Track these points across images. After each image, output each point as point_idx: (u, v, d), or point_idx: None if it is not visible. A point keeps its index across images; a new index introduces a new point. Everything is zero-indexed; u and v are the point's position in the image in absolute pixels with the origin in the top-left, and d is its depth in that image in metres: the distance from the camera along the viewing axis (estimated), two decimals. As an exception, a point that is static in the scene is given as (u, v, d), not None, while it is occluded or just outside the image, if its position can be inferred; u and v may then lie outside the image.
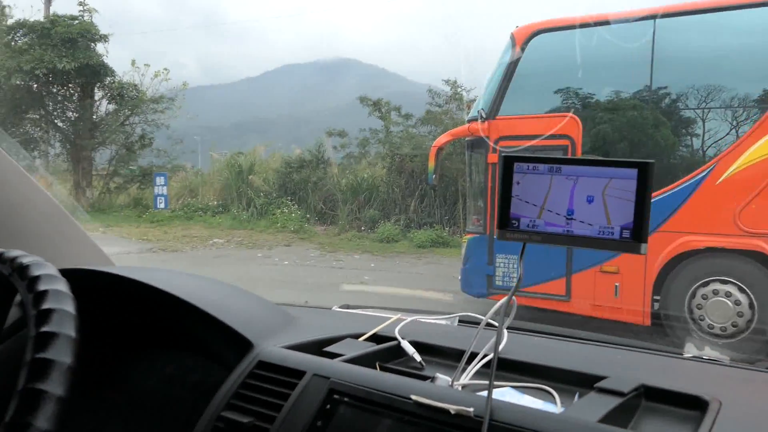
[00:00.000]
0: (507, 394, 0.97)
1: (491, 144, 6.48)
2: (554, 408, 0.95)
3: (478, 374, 1.02)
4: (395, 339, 1.19)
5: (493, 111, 6.51)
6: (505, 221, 0.82)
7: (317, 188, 17.16)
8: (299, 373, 1.00)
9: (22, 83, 18.62)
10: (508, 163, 0.82)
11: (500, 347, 0.92)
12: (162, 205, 19.12)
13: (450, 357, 1.14)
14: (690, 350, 1.24)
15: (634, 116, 6.22)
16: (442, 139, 7.27)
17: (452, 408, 0.83)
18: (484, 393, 0.86)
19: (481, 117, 6.50)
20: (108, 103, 21.22)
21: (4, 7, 20.77)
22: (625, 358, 1.21)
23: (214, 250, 13.27)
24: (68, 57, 18.29)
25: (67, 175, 21.44)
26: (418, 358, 1.14)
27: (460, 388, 0.98)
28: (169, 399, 1.24)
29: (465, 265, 6.90)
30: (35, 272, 0.80)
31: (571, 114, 6.29)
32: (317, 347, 1.15)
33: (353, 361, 1.07)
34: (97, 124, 20.88)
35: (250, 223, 16.87)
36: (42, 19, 19.62)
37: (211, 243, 14.10)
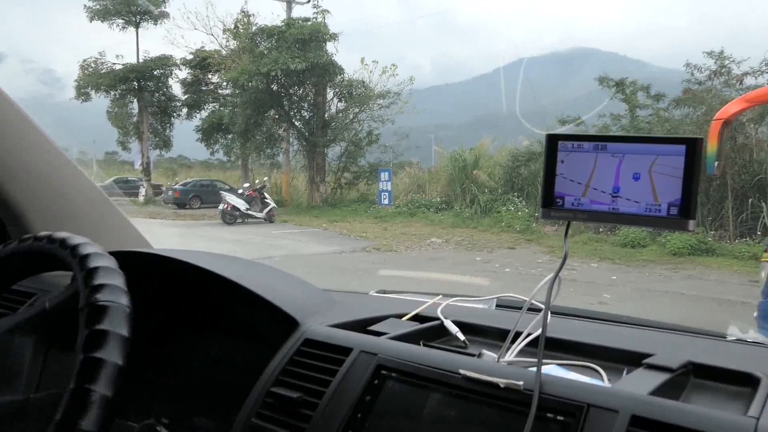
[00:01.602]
0: (553, 371, 0.96)
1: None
2: (602, 384, 0.92)
3: (522, 353, 1.01)
4: (437, 319, 1.20)
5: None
6: (550, 200, 0.82)
7: (547, 183, 15.17)
8: (346, 350, 1.01)
9: (262, 85, 19.69)
10: (552, 141, 0.81)
11: (542, 326, 0.88)
12: (386, 201, 18.86)
13: (492, 336, 1.15)
14: (734, 333, 1.20)
15: None
16: (732, 107, 4.93)
17: (501, 381, 0.84)
18: (532, 369, 0.87)
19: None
20: (338, 101, 21.69)
21: (249, 15, 22.43)
22: (669, 338, 1.18)
23: (430, 251, 12.21)
24: (300, 58, 18.90)
25: (305, 170, 22.45)
26: (461, 336, 1.15)
27: (505, 365, 0.97)
28: (213, 380, 1.25)
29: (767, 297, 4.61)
30: (84, 251, 0.83)
31: None
32: (361, 326, 1.16)
33: (399, 338, 1.09)
34: (328, 121, 21.45)
35: (473, 221, 15.59)
36: (279, 23, 20.62)
37: (428, 242, 13.09)
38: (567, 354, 1.04)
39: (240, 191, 18.31)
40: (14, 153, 1.34)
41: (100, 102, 26.46)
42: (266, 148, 23.23)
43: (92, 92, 25.74)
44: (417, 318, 1.24)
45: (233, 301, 1.22)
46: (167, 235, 14.19)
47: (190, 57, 25.75)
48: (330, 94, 21.67)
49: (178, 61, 26.29)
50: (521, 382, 0.83)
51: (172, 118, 27.70)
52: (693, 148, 0.74)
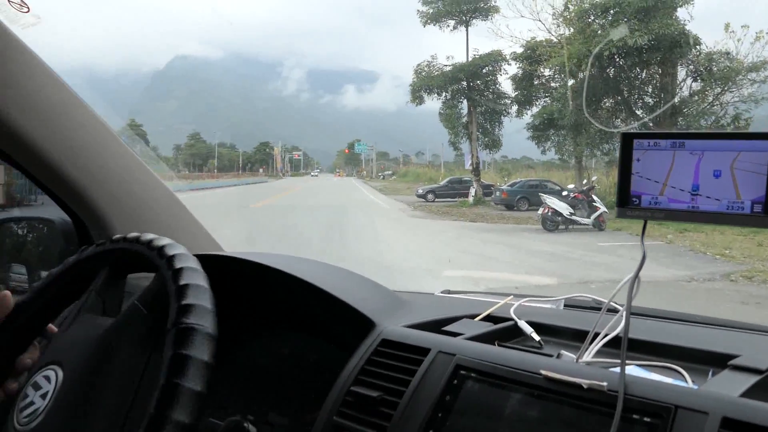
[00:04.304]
0: (634, 372, 0.94)
1: None
2: (688, 386, 0.91)
3: (600, 353, 1.00)
4: (510, 319, 1.20)
5: None
6: (625, 199, 0.82)
7: None
8: (424, 351, 1.02)
9: (594, 69, 17.05)
10: (627, 140, 0.82)
11: (624, 327, 0.87)
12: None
13: (567, 336, 1.15)
14: None
15: None
16: None
17: (584, 382, 0.83)
18: (613, 369, 0.87)
19: None
20: (692, 81, 17.63)
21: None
22: (751, 339, 1.16)
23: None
24: (640, 30, 15.66)
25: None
26: (536, 337, 1.14)
27: (585, 366, 0.95)
28: (286, 378, 1.27)
29: None
30: (171, 252, 0.87)
31: None
32: (436, 326, 1.17)
33: (475, 339, 1.09)
34: (678, 107, 17.66)
35: None
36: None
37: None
38: (647, 355, 1.03)
39: (565, 193, 15.98)
40: (97, 161, 1.42)
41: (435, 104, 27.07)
42: (601, 143, 20.37)
43: (425, 95, 26.36)
44: (489, 318, 1.24)
45: (308, 301, 1.22)
46: (472, 242, 12.80)
47: (520, 50, 24.42)
48: (681, 73, 17.78)
49: (507, 56, 25.25)
50: (605, 383, 0.82)
51: (502, 117, 26.76)
52: None
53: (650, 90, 18.34)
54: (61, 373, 0.85)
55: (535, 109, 25.02)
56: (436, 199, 28.97)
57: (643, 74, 18.19)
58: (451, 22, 25.68)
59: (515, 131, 29.07)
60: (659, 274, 8.92)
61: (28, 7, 1.28)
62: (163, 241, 0.90)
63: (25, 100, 1.26)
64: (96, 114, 1.43)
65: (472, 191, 26.03)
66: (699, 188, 0.76)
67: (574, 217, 14.89)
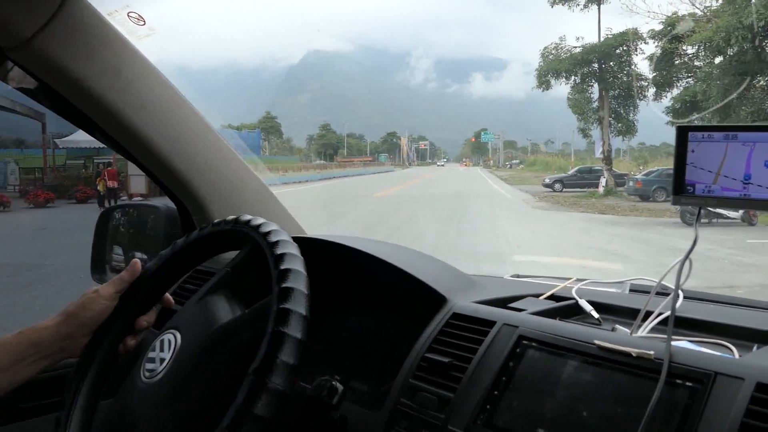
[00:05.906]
0: (685, 345, 0.99)
1: None
2: (729, 356, 0.96)
3: (653, 330, 1.06)
4: (572, 299, 1.28)
5: None
6: (680, 187, 0.86)
7: None
8: (490, 323, 1.12)
9: (745, 43, 15.34)
10: (682, 132, 0.85)
11: (676, 306, 0.94)
12: None
13: (625, 315, 1.20)
14: None
15: None
16: None
17: (634, 351, 0.89)
18: (663, 342, 0.91)
19: None
20: None
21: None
22: None
23: None
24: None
25: None
26: (595, 315, 1.20)
27: (637, 338, 1.02)
28: (365, 350, 1.39)
29: None
30: (274, 237, 0.94)
31: None
32: (502, 303, 1.26)
33: (537, 314, 1.16)
34: None
35: None
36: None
37: None
38: (698, 332, 1.08)
39: (709, 183, 14.59)
40: (199, 153, 1.57)
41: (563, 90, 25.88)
42: (754, 126, 18.32)
43: (552, 80, 25.28)
44: (553, 297, 1.31)
45: (387, 280, 1.32)
46: (598, 237, 12.03)
47: (659, 27, 22.63)
48: None
49: (644, 34, 23.50)
50: (652, 352, 0.88)
51: (637, 100, 25.02)
52: None
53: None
54: (180, 340, 0.93)
55: (675, 91, 23.15)
56: (564, 189, 27.75)
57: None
58: (582, 1, 24.34)
59: (654, 116, 27.14)
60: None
61: (144, 21, 1.42)
62: (270, 226, 0.98)
63: (139, 100, 1.41)
64: (197, 111, 1.57)
65: (603, 181, 24.61)
66: (751, 177, 0.80)
67: (719, 210, 13.56)
